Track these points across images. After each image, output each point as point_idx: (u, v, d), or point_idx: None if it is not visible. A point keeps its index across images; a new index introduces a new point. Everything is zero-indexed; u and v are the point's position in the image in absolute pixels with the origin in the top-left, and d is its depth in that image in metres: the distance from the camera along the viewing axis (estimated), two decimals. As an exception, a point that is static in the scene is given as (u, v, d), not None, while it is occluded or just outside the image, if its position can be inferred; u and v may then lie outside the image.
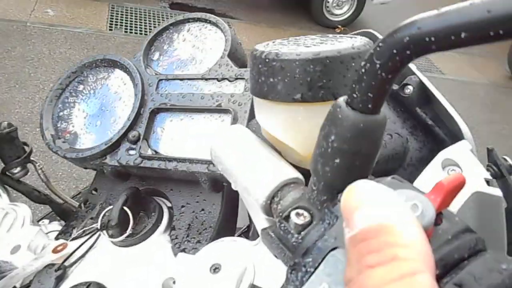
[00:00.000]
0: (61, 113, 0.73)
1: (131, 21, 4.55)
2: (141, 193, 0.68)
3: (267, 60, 0.38)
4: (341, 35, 0.44)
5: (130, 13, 4.69)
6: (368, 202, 0.21)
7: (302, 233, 0.32)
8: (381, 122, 0.28)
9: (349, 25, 5.24)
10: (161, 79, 0.68)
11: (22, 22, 3.99)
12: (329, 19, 5.17)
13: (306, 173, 0.41)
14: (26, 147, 0.75)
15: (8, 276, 0.61)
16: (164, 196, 0.69)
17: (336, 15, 5.16)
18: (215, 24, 0.70)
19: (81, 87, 0.74)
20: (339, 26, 5.13)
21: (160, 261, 0.61)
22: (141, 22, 4.59)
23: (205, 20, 0.71)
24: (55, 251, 0.65)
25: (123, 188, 0.71)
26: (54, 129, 0.72)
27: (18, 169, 0.73)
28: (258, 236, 0.62)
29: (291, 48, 0.39)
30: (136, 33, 4.36)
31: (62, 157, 0.68)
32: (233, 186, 0.43)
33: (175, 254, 0.60)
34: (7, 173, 0.73)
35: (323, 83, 0.36)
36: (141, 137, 0.64)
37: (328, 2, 5.06)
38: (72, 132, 0.71)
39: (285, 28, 5.10)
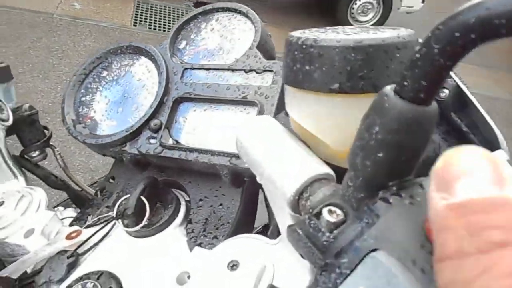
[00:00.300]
0: (83, 98, 0.72)
1: (155, 17, 4.59)
2: (159, 183, 0.66)
3: (304, 46, 0.35)
4: (382, 26, 0.42)
5: (155, 9, 4.73)
6: (482, 170, 0.18)
7: (335, 232, 0.29)
8: (432, 114, 0.25)
9: (373, 33, 5.17)
10: (187, 68, 0.66)
11: (49, 14, 4.05)
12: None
13: (337, 170, 0.38)
14: (46, 131, 0.74)
15: (20, 260, 0.60)
16: (182, 188, 0.68)
17: (361, 22, 5.11)
18: (245, 14, 0.68)
19: (104, 73, 0.72)
20: (363, 33, 5.07)
21: (175, 254, 0.59)
22: (165, 19, 4.62)
23: (235, 10, 0.70)
24: (68, 237, 0.63)
25: (141, 178, 0.69)
26: (75, 114, 0.71)
27: (37, 152, 0.72)
28: (278, 235, 0.60)
29: (330, 35, 0.36)
30: (159, 29, 4.39)
31: (81, 142, 0.67)
32: (258, 179, 0.40)
33: (191, 248, 0.58)
34: (25, 156, 0.72)
35: (364, 73, 0.34)
36: (163, 126, 0.62)
37: (353, 8, 5.01)
38: (93, 118, 0.70)
39: (308, 32, 5.06)
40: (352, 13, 5.06)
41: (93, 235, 0.61)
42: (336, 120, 0.37)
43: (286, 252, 0.47)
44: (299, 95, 0.39)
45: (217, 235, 0.59)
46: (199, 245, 0.58)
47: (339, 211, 0.30)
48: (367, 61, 0.33)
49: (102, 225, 0.64)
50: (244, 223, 0.62)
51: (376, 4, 5.03)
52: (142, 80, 0.69)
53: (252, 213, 0.66)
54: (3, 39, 3.54)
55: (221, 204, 0.62)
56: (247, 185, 0.62)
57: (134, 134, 0.64)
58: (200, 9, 0.73)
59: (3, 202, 0.64)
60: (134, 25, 4.35)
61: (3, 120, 0.64)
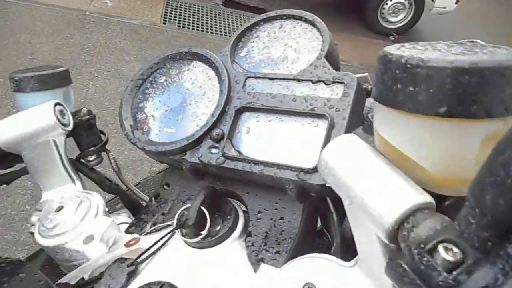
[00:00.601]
0: (140, 104, 0.71)
1: (185, 16, 4.61)
2: (218, 193, 0.65)
3: (408, 65, 0.33)
4: (481, 43, 0.39)
5: (184, 8, 4.76)
6: None
7: (454, 272, 0.27)
8: None
9: (404, 33, 5.09)
10: (249, 77, 0.65)
11: (82, 11, 4.12)
12: (384, 26, 5.04)
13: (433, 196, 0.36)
14: (102, 136, 0.74)
15: (80, 268, 0.60)
16: (239, 198, 0.66)
17: (391, 22, 5.03)
18: (311, 22, 0.66)
19: (162, 79, 0.72)
20: (394, 34, 4.99)
21: (234, 267, 0.58)
22: (194, 18, 4.64)
23: (300, 18, 0.67)
24: (127, 245, 0.63)
25: (197, 186, 0.69)
26: (133, 119, 0.70)
27: (93, 157, 0.72)
28: (343, 255, 0.58)
29: (435, 54, 0.34)
30: (188, 28, 4.41)
31: (140, 149, 0.66)
32: (346, 203, 0.39)
33: (252, 263, 0.57)
34: (82, 160, 0.72)
35: (477, 97, 0.31)
36: (225, 136, 0.61)
37: (384, 9, 4.93)
38: (151, 124, 0.69)
39: (337, 33, 5.01)
40: (383, 14, 4.98)
41: (154, 244, 0.60)
42: (440, 145, 0.35)
43: (362, 276, 0.45)
44: (395, 116, 0.36)
45: (279, 251, 0.57)
46: (262, 260, 0.57)
47: (456, 249, 0.28)
48: (482, 85, 0.31)
49: (161, 233, 0.63)
50: (306, 240, 0.60)
51: (408, 5, 4.94)
52: (202, 87, 0.68)
53: (313, 229, 0.64)
54: (38, 35, 3.62)
55: (281, 218, 0.61)
56: (309, 199, 0.60)
57: (195, 143, 0.63)
58: (263, 16, 0.71)
59: (62, 206, 0.64)
60: (164, 23, 4.38)
61: (64, 125, 0.64)
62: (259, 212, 0.62)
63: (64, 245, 0.61)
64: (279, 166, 0.56)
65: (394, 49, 0.37)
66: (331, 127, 0.54)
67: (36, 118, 0.63)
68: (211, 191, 0.64)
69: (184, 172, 0.68)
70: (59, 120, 0.63)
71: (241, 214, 0.64)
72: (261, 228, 0.60)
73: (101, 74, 3.52)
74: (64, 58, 3.49)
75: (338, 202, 0.62)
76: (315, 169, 0.53)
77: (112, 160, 0.76)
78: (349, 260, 0.49)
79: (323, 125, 0.56)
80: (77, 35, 3.79)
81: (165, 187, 0.72)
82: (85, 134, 0.71)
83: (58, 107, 0.65)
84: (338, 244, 0.58)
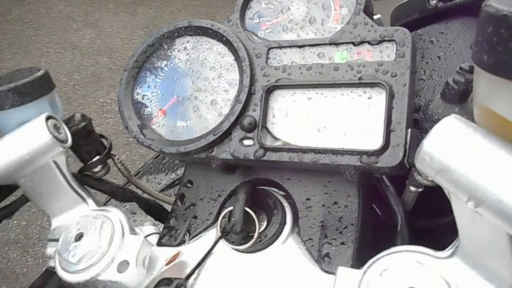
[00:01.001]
0: (142, 97, 0.60)
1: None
2: (257, 188, 0.58)
3: None
4: None
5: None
6: None
7: None
8: None
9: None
10: (272, 47, 0.55)
11: (12, -19, 3.71)
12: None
13: None
14: (104, 140, 0.63)
15: (121, 300, 0.53)
16: (278, 187, 0.59)
17: None
18: None
19: (162, 63, 0.61)
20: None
21: (297, 269, 0.51)
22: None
23: None
24: (168, 262, 0.56)
25: (227, 180, 0.61)
26: (138, 117, 0.60)
27: (100, 167, 0.62)
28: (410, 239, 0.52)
29: None
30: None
31: (157, 151, 0.57)
32: (470, 205, 0.32)
33: (316, 260, 0.51)
34: (87, 172, 0.63)
35: None
36: (259, 123, 0.52)
37: None
38: (161, 120, 0.59)
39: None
40: None
41: (202, 261, 0.53)
42: None
43: (464, 267, 0.40)
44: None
45: (344, 241, 0.51)
46: (327, 255, 0.51)
47: None
48: None
49: (201, 242, 0.56)
50: (368, 224, 0.54)
51: None
52: (216, 68, 0.57)
53: (371, 211, 0.57)
54: (-31, 16, 3.26)
55: (335, 203, 0.54)
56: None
57: (223, 137, 0.54)
58: None
59: (81, 234, 0.55)
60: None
61: (62, 141, 0.53)
62: (308, 199, 0.55)
63: (96, 278, 0.53)
64: (335, 152, 0.48)
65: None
66: (390, 97, 0.46)
67: (28, 140, 0.52)
68: (250, 187, 0.56)
69: (205, 165, 0.59)
70: (55, 137, 0.53)
71: (286, 205, 0.57)
72: (315, 218, 0.54)
73: (51, 48, 3.24)
74: (6, 37, 3.18)
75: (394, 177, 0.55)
76: (382, 150, 0.45)
77: (120, 165, 0.66)
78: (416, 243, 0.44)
79: (379, 95, 0.47)
80: (14, 9, 3.44)
81: (188, 185, 0.64)
82: (85, 143, 0.60)
83: (50, 121, 0.54)
84: (404, 227, 0.52)
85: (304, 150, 0.49)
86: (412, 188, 0.52)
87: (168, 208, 0.69)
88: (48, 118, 0.53)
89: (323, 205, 0.54)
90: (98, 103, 3.04)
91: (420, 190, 0.52)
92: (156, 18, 3.81)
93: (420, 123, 0.46)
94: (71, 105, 2.89)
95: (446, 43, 0.65)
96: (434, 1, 0.67)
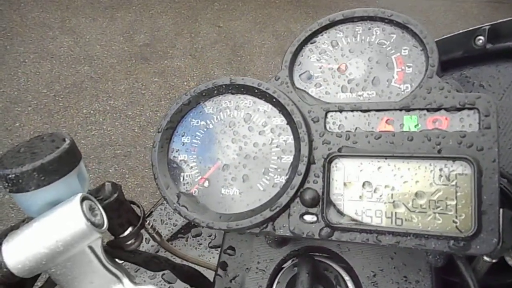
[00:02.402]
0: (180, 161, 0.54)
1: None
2: (316, 261, 0.53)
3: None
4: None
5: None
6: None
7: None
8: None
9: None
10: (330, 111, 0.49)
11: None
12: None
13: None
14: (136, 208, 0.57)
15: None
16: (337, 257, 0.54)
17: None
18: (400, 25, 0.49)
19: (201, 123, 0.55)
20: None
21: None
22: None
23: (382, 19, 0.50)
24: None
25: (276, 252, 0.56)
26: (176, 184, 0.54)
27: (132, 240, 0.56)
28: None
29: None
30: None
31: (204, 227, 0.51)
32: None
33: None
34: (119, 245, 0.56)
35: None
36: (323, 198, 0.47)
37: None
38: (205, 188, 0.53)
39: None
40: None
41: None
42: None
43: None
44: None
45: None
46: None
47: None
48: None
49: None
50: None
51: None
52: (266, 133, 0.51)
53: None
54: None
55: (405, 277, 0.50)
56: None
57: (281, 212, 0.48)
58: (325, 20, 0.53)
59: (123, 323, 0.49)
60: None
61: (99, 226, 0.47)
62: (374, 274, 0.51)
63: None
64: (418, 235, 0.43)
65: None
66: (479, 175, 0.41)
67: (62, 229, 0.45)
68: (311, 263, 0.51)
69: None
70: (92, 222, 0.46)
71: (348, 278, 0.52)
72: None
73: (27, 58, 3.09)
74: (-22, 48, 3.01)
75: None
76: (474, 235, 0.41)
77: (150, 229, 0.60)
78: None
79: (464, 171, 0.42)
80: (-15, 17, 3.26)
81: (229, 251, 0.58)
82: (116, 215, 0.54)
83: (86, 203, 0.47)
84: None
85: (381, 232, 0.44)
86: (487, 259, 0.48)
87: (207, 273, 0.64)
88: (83, 199, 0.47)
89: (392, 281, 0.50)
90: (82, 114, 2.91)
91: (495, 260, 0.49)
92: (135, 23, 3.69)
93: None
94: (52, 117, 2.75)
95: (500, 89, 0.61)
96: (481, 41, 0.63)
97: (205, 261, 0.67)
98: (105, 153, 2.76)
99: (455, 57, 0.67)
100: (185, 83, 3.44)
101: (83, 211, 0.46)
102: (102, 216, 0.49)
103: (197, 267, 0.65)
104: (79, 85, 3.09)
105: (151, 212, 1.00)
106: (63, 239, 0.45)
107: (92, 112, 2.97)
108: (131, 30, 3.62)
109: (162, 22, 3.81)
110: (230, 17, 4.15)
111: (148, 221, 0.60)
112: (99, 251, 0.50)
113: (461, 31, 0.64)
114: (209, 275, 0.65)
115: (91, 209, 0.48)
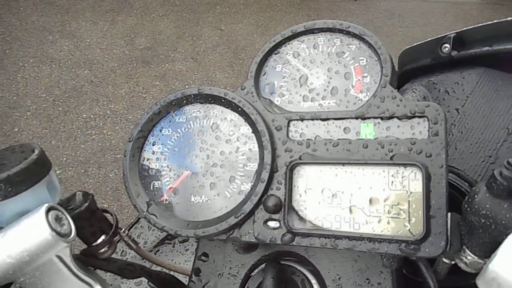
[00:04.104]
0: (150, 170, 0.55)
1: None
2: (283, 266, 0.53)
3: None
4: None
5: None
6: None
7: None
8: None
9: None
10: (292, 119, 0.50)
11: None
12: None
13: None
14: (109, 216, 0.58)
15: None
16: (304, 260, 0.55)
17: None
18: (357, 36, 0.50)
19: (171, 132, 0.55)
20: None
21: None
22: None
23: (340, 31, 0.51)
24: None
25: (246, 257, 0.56)
26: (146, 193, 0.55)
27: (105, 248, 0.56)
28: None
29: None
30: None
31: (173, 234, 0.52)
32: None
33: None
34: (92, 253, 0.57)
35: None
36: (285, 204, 0.47)
37: None
38: (174, 196, 0.54)
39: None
40: None
41: None
42: None
43: None
44: None
45: None
46: None
47: None
48: None
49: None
50: None
51: None
52: (232, 141, 0.52)
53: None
54: None
55: (367, 280, 0.50)
56: None
57: (245, 218, 0.49)
58: (287, 32, 0.54)
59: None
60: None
61: (65, 236, 0.48)
62: (339, 277, 0.51)
63: None
64: (372, 239, 0.43)
65: None
66: (427, 180, 0.42)
67: (27, 239, 0.46)
68: (278, 269, 0.51)
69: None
70: (58, 233, 0.47)
71: (314, 282, 0.53)
72: None
73: (27, 62, 3.12)
74: (-22, 53, 3.04)
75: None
76: (423, 238, 0.42)
77: (126, 237, 0.60)
78: None
79: (415, 177, 0.43)
80: (-15, 22, 3.29)
81: (203, 258, 0.59)
82: (88, 224, 0.54)
83: (52, 213, 0.47)
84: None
85: (338, 236, 0.45)
86: (446, 260, 0.49)
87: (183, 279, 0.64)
88: (48, 210, 0.47)
89: (355, 283, 0.50)
90: (81, 119, 2.93)
91: (454, 262, 0.49)
92: (136, 26, 3.70)
93: (463, 214, 0.42)
94: (52, 122, 2.78)
95: (463, 95, 0.62)
96: (447, 49, 0.64)
97: (182, 267, 0.68)
98: (105, 157, 2.77)
99: (424, 64, 0.67)
100: (187, 86, 3.45)
101: (48, 221, 0.46)
102: (70, 225, 0.49)
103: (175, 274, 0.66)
104: (79, 89, 3.11)
105: (138, 219, 1.01)
106: (28, 249, 0.46)
107: (92, 116, 2.99)
108: (132, 33, 3.64)
109: (163, 25, 3.83)
110: (231, 20, 4.15)
111: (123, 229, 0.60)
112: (68, 260, 0.50)
113: (428, 39, 0.65)
114: (187, 281, 0.65)
115: (58, 219, 0.48)
